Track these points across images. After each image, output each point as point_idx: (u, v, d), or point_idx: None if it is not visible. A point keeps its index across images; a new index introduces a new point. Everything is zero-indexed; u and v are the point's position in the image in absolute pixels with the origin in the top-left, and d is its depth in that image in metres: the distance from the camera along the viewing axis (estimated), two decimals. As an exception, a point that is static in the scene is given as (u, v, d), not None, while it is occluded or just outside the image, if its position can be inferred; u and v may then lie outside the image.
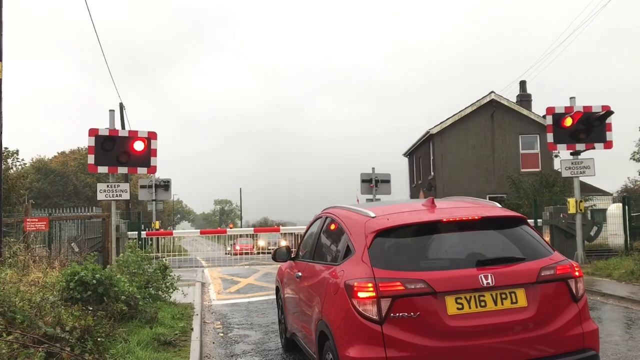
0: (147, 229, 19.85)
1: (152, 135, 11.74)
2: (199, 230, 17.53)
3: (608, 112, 13.55)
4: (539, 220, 16.34)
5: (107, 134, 11.40)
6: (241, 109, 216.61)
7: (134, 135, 11.65)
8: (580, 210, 14.15)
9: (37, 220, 12.03)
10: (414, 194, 37.48)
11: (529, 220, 5.05)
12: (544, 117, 16.71)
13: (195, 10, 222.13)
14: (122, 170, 11.79)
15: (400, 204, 5.49)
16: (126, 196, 11.93)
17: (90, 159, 11.36)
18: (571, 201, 14.24)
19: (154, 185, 23.40)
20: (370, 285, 4.17)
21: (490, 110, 29.75)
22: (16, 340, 5.17)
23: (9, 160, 25.44)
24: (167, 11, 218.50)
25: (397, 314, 4.08)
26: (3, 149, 10.28)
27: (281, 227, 17.54)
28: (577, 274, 4.47)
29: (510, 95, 33.37)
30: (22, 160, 28.64)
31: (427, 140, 32.03)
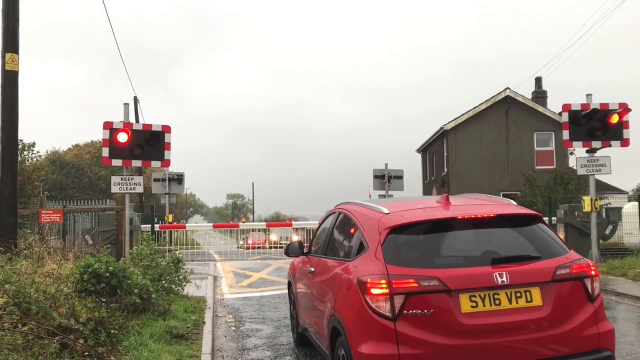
0: (160, 222, 19.95)
1: (166, 129, 11.76)
2: (211, 224, 17.57)
3: (625, 109, 13.39)
4: (553, 218, 16.21)
5: (122, 127, 11.45)
6: (249, 105, 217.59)
7: (148, 129, 11.69)
8: (596, 208, 14.01)
9: (51, 212, 12.12)
10: (426, 191, 37.35)
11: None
12: (559, 114, 16.55)
13: (201, 8, 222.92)
14: (136, 163, 11.84)
15: (414, 201, 5.45)
16: (140, 189, 11.98)
17: (105, 151, 11.42)
18: (586, 199, 14.09)
19: (167, 178, 23.50)
20: (383, 281, 4.15)
21: (505, 106, 29.53)
22: (31, 332, 5.22)
23: (25, 153, 25.66)
24: (172, 9, 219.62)
25: (411, 311, 4.06)
26: (19, 141, 10.36)
27: (293, 222, 17.51)
28: (593, 273, 4.41)
29: (525, 92, 33.11)
30: (38, 152, 28.90)
31: (441, 136, 31.88)
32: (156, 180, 24.04)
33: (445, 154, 31.24)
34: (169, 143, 11.81)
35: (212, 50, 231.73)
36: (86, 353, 5.24)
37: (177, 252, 15.15)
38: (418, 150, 39.30)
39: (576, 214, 15.35)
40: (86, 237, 13.47)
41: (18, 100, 10.01)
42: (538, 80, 33.06)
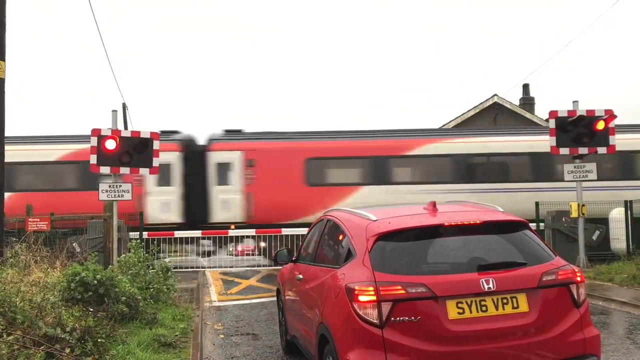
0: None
1: (154, 136, 11.73)
2: (200, 232, 17.49)
3: (611, 116, 13.53)
4: (541, 223, 16.31)
5: (110, 134, 11.40)
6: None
7: (136, 136, 11.65)
8: (583, 214, 14.12)
9: (38, 220, 12.04)
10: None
11: (531, 224, 5.06)
12: (546, 120, 16.70)
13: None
14: (125, 170, 11.79)
15: (402, 207, 5.48)
16: (128, 196, 11.91)
17: (93, 158, 11.36)
18: (573, 205, 14.20)
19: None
20: (371, 289, 4.16)
21: (493, 113, 29.69)
22: (16, 341, 5.17)
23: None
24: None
25: (398, 318, 4.07)
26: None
27: (282, 230, 17.45)
28: (578, 279, 4.46)
29: (513, 98, 33.38)
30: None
31: (430, 142, 31.95)
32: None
33: (434, 160, 31.30)
34: (157, 150, 11.77)
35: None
36: (73, 362, 5.20)
37: (165, 259, 15.08)
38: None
39: (563, 219, 15.45)
40: (74, 244, 13.37)
41: (4, 107, 9.95)
42: (525, 87, 33.32)
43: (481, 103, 30.20)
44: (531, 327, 4.18)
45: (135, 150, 11.50)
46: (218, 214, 17.68)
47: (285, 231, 17.40)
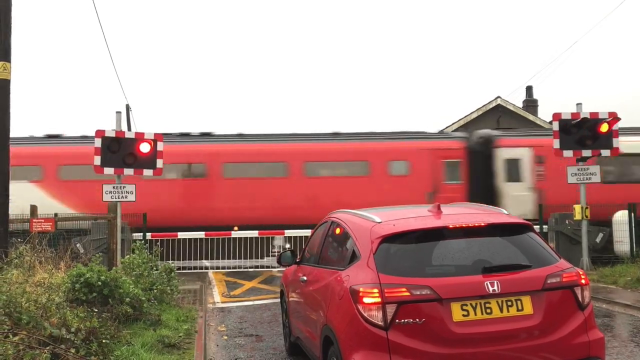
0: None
1: (158, 137, 11.76)
2: (203, 233, 17.48)
3: (614, 119, 13.52)
4: (544, 226, 16.28)
5: (114, 135, 11.44)
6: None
7: (140, 137, 11.69)
8: (586, 216, 14.09)
9: (43, 221, 12.06)
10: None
11: (534, 226, 5.06)
12: (550, 122, 16.68)
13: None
14: (128, 171, 11.82)
15: (406, 209, 5.49)
16: (132, 198, 11.94)
17: (97, 160, 11.40)
18: (577, 207, 14.18)
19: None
20: (375, 290, 4.17)
21: (496, 115, 29.69)
22: (22, 342, 5.19)
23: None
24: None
25: (403, 320, 4.08)
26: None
27: (285, 231, 17.45)
28: (583, 281, 4.46)
29: (516, 100, 33.37)
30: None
31: (433, 144, 31.94)
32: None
33: (437, 162, 31.29)
34: (161, 151, 11.81)
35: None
36: (78, 363, 5.22)
37: (169, 260, 15.09)
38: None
39: (567, 222, 15.43)
40: (78, 245, 13.40)
41: (9, 108, 9.98)
42: (529, 89, 33.31)
43: (484, 105, 30.21)
44: (535, 330, 4.19)
45: (139, 152, 11.54)
46: None
47: (287, 232, 17.41)
